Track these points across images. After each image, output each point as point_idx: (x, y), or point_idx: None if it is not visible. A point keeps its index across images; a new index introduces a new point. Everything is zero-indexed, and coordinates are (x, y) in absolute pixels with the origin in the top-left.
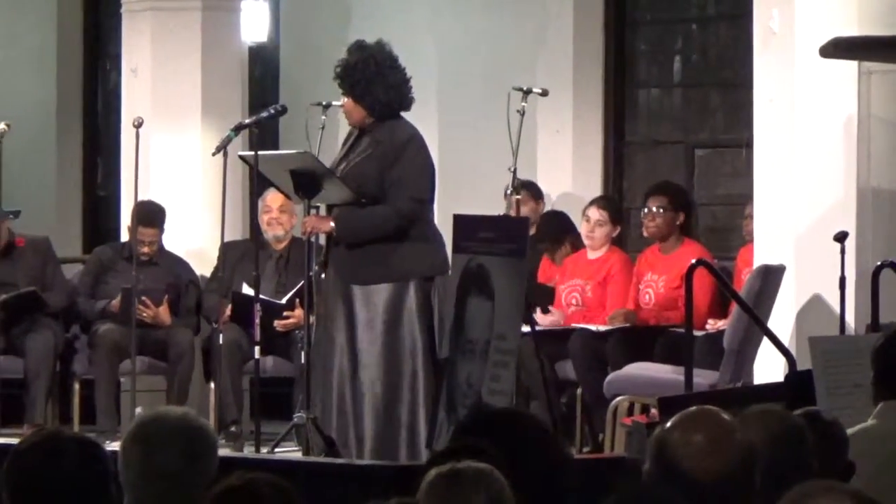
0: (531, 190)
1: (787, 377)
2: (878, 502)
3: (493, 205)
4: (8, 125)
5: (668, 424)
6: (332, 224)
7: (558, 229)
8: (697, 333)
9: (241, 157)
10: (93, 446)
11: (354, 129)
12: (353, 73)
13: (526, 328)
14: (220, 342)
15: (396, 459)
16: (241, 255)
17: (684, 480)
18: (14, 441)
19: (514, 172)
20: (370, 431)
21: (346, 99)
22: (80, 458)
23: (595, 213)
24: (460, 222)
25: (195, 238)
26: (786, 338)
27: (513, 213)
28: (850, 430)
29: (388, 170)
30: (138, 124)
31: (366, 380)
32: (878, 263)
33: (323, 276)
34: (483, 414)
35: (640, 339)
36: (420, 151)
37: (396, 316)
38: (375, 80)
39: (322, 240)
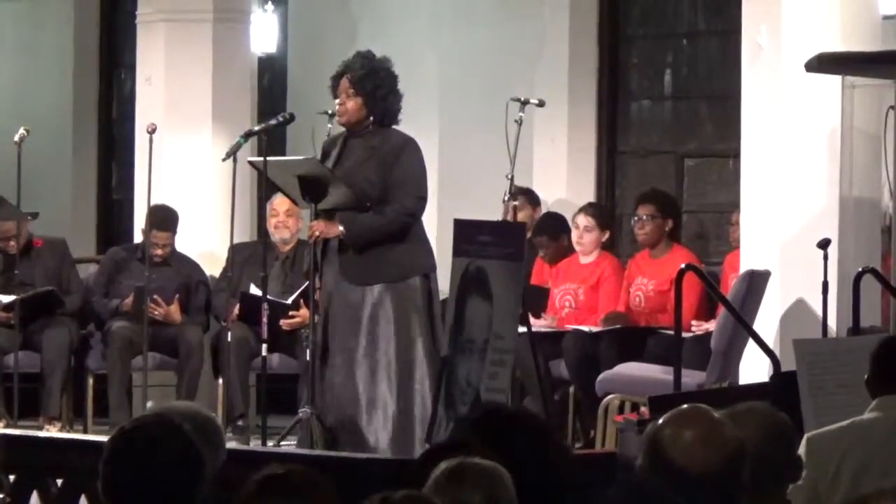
0: (529, 196)
1: (771, 378)
2: None
3: (492, 210)
4: (27, 130)
5: (661, 421)
6: (341, 228)
7: (556, 228)
8: (686, 335)
9: (251, 163)
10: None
11: (338, 137)
12: (375, 78)
13: (522, 328)
14: (229, 340)
15: (408, 454)
16: (249, 256)
17: (675, 475)
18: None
19: (512, 179)
20: (381, 424)
21: (352, 100)
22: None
23: (583, 220)
24: (460, 227)
25: (205, 240)
26: (770, 340)
27: (510, 218)
28: (844, 422)
29: (388, 172)
30: (152, 130)
31: (375, 375)
32: (859, 269)
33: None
34: (485, 411)
35: (631, 339)
36: (417, 153)
37: (403, 313)
38: (391, 90)
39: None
